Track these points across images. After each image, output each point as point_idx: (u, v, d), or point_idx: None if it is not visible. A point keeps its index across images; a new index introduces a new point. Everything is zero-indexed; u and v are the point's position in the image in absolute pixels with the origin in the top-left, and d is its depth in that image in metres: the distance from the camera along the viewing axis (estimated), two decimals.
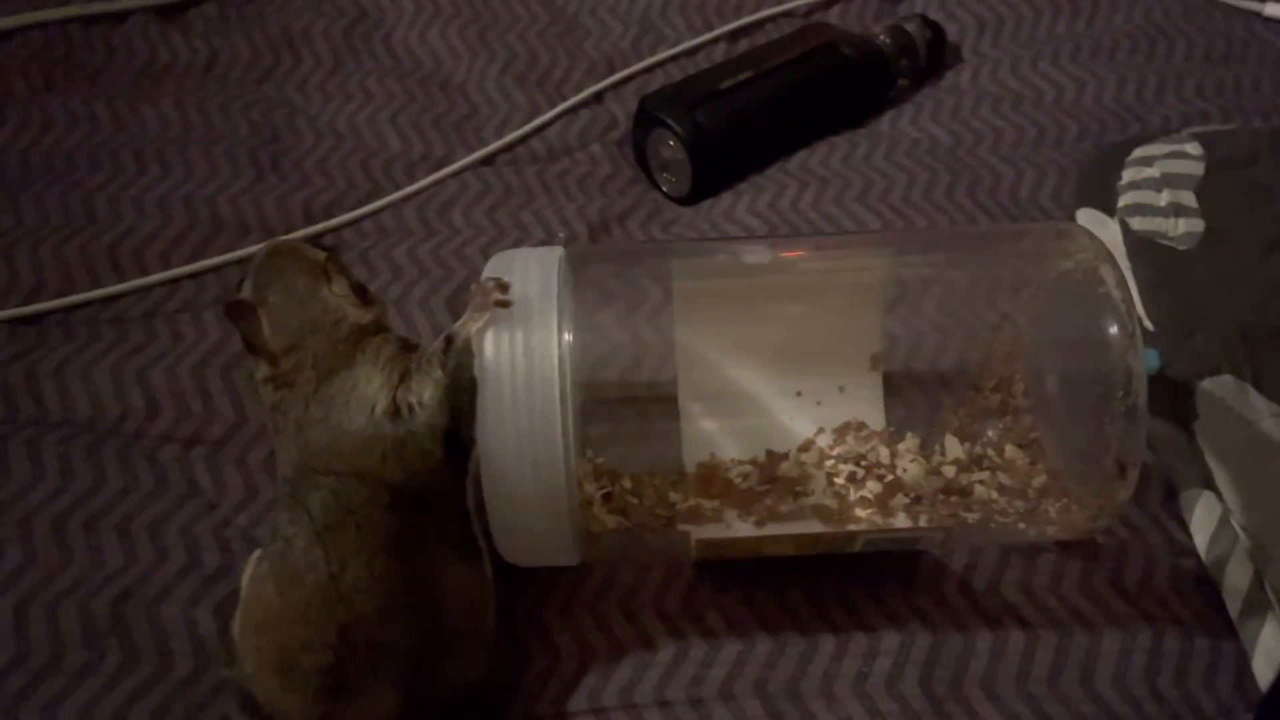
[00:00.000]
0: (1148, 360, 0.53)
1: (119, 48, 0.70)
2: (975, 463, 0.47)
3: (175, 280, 0.58)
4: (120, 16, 0.72)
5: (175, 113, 0.66)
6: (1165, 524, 0.49)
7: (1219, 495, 0.48)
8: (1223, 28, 0.73)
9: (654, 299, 0.48)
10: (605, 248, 0.50)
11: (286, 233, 0.60)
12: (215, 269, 0.58)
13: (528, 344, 0.41)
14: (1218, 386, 0.50)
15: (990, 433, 0.48)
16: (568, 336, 0.42)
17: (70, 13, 0.71)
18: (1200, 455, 0.49)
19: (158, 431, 0.51)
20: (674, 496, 0.46)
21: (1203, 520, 0.47)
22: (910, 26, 0.70)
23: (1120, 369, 0.42)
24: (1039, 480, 0.46)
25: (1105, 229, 0.59)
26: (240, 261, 0.59)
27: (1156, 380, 0.52)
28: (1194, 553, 0.47)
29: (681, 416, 0.48)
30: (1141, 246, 0.57)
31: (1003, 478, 0.46)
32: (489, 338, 0.41)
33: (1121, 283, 0.43)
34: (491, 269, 0.44)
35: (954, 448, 0.47)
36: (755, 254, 0.47)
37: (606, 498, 0.45)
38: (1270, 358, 0.51)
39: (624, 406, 0.49)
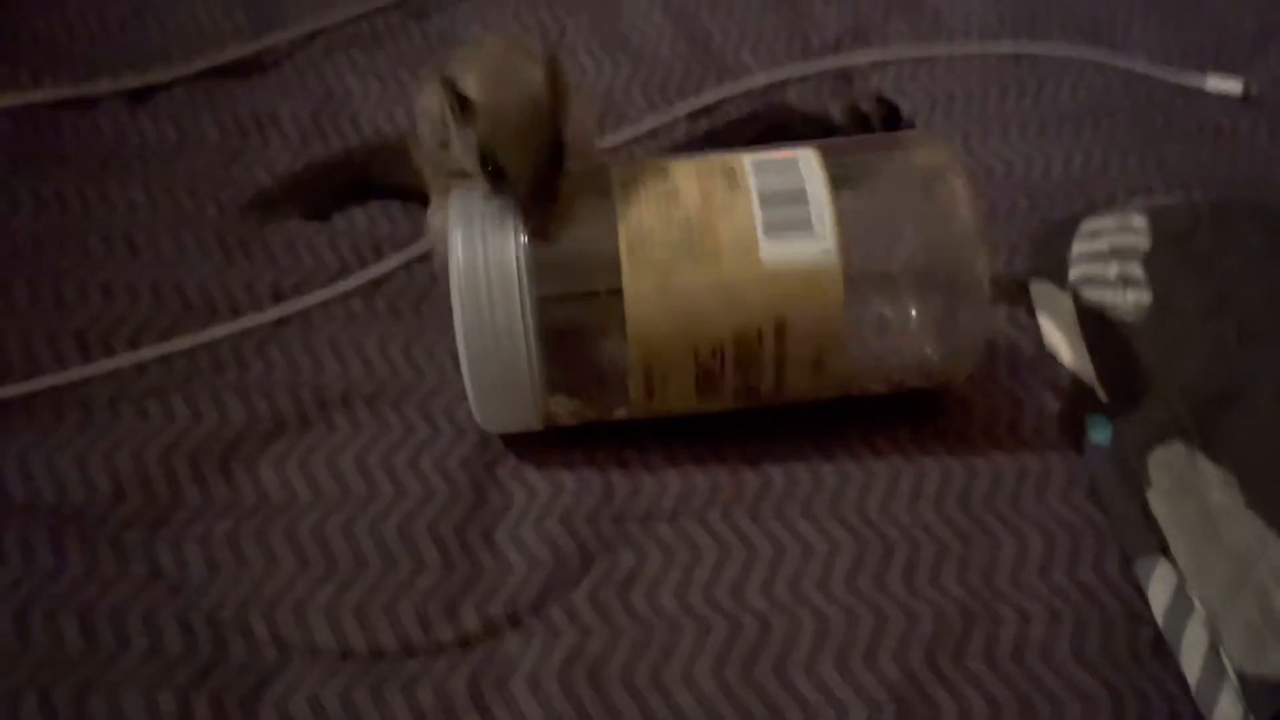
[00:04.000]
0: (1100, 430, 0.54)
1: (88, 131, 0.71)
2: None
3: (142, 364, 0.58)
4: (90, 101, 0.73)
5: (143, 195, 0.67)
6: (1123, 591, 0.49)
7: (1174, 564, 0.49)
8: (1164, 102, 0.75)
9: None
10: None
11: (255, 314, 0.61)
12: (183, 352, 0.59)
13: (486, 245, 0.50)
14: (1168, 455, 0.52)
15: None
16: (524, 239, 0.50)
17: (40, 97, 0.72)
18: (1155, 523, 0.50)
19: (122, 516, 0.51)
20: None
21: (1159, 589, 0.48)
22: (864, 104, 0.72)
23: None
24: None
25: (1058, 302, 0.60)
26: (210, 345, 0.59)
27: (1109, 450, 0.53)
28: (1152, 621, 0.48)
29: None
30: (1092, 318, 0.58)
31: None
32: (459, 242, 0.50)
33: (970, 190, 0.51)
34: (454, 209, 0.51)
35: None
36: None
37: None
38: (1217, 424, 0.53)
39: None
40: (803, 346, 0.51)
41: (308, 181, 0.67)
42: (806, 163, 0.52)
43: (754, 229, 0.50)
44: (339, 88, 0.75)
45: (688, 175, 0.51)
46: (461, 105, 0.49)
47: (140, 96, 0.74)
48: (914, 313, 0.52)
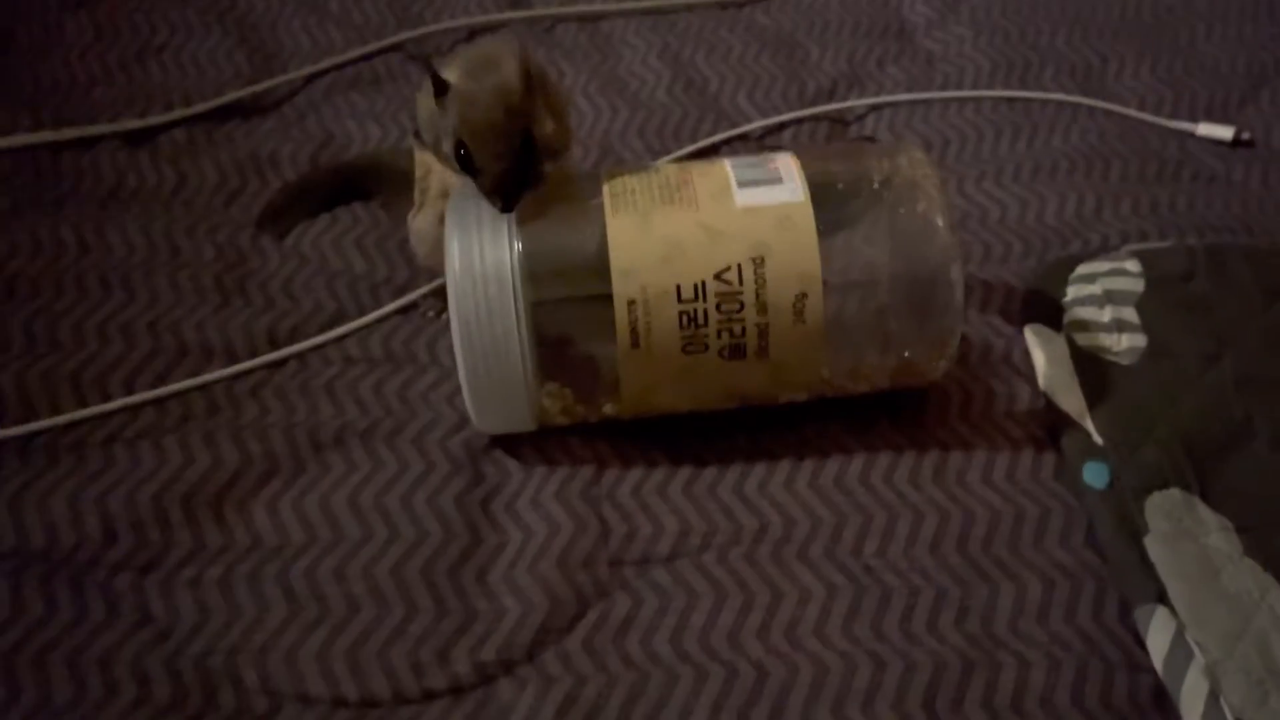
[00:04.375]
0: (1097, 475, 0.54)
1: (87, 172, 0.72)
2: None
3: (137, 406, 0.58)
4: (89, 142, 0.73)
5: (141, 237, 0.67)
6: (1122, 639, 0.49)
7: (1173, 611, 0.48)
8: (1157, 148, 0.76)
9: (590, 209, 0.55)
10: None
11: (250, 357, 0.61)
12: (178, 394, 0.59)
13: (483, 251, 0.52)
14: (1166, 501, 0.52)
15: None
16: (518, 245, 0.52)
17: (40, 138, 0.73)
18: (1153, 570, 0.50)
19: (112, 560, 0.51)
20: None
21: (1158, 636, 0.48)
22: None
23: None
24: None
25: (1053, 345, 0.60)
26: (204, 388, 0.59)
27: (1106, 495, 0.53)
28: (1151, 668, 0.48)
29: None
30: (1087, 362, 0.58)
31: None
32: (455, 246, 0.52)
33: (943, 196, 0.54)
34: (450, 215, 0.53)
35: None
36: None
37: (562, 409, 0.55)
38: (1216, 469, 0.53)
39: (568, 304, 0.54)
40: (782, 286, 0.52)
41: (306, 190, 0.71)
42: (781, 156, 0.56)
43: (729, 185, 0.54)
44: (338, 130, 0.76)
45: (668, 165, 0.57)
46: (442, 92, 0.52)
47: (139, 138, 0.74)
48: (889, 314, 0.53)
